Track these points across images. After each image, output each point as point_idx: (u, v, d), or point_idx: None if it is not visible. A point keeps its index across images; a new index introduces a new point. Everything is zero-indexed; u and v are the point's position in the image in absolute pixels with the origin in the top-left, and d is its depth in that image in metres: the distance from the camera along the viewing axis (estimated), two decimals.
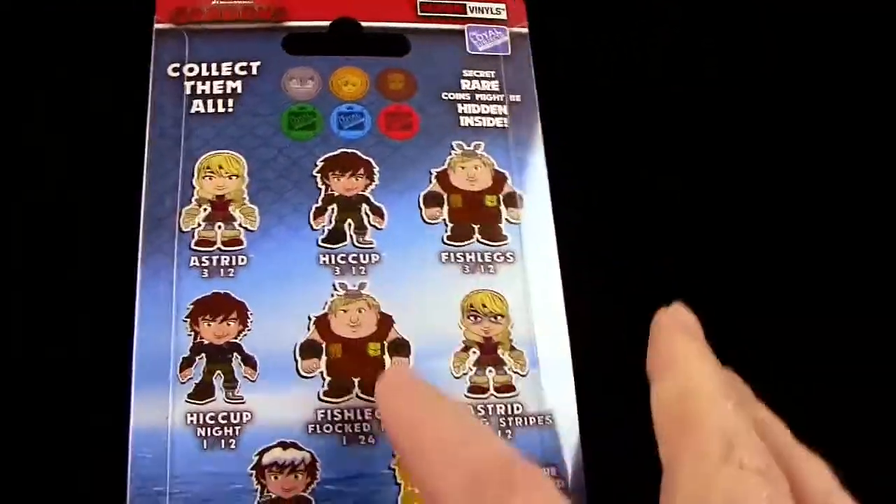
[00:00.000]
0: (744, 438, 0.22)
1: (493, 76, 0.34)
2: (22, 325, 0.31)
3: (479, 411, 0.29)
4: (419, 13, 0.34)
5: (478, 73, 0.34)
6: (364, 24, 0.34)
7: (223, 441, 0.28)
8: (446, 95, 0.33)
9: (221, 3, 0.33)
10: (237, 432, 0.28)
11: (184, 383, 0.28)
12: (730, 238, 0.36)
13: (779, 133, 0.38)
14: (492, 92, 0.34)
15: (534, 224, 0.32)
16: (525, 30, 0.35)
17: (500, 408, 0.30)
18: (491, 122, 0.33)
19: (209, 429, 0.28)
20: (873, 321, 0.35)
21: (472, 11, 0.35)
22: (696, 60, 0.39)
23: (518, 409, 0.30)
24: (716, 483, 0.21)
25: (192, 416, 0.28)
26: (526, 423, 0.30)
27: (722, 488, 0.20)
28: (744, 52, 0.39)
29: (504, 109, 0.33)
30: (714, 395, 0.23)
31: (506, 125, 0.33)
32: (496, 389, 0.30)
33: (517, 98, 0.34)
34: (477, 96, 0.34)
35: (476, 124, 0.33)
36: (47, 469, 0.29)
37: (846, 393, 0.33)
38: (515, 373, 0.30)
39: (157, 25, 0.33)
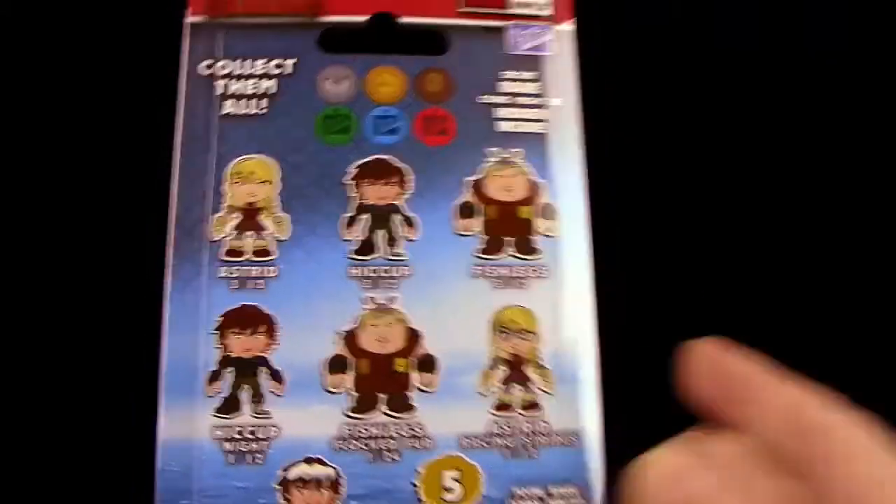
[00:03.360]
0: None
1: (534, 77, 0.33)
2: (50, 335, 0.31)
3: (505, 428, 0.29)
4: (459, 9, 0.33)
5: (518, 75, 0.32)
6: (402, 19, 0.33)
7: (250, 456, 0.28)
8: (483, 99, 0.32)
9: None
10: (263, 447, 0.28)
11: (211, 397, 0.29)
12: (777, 261, 0.35)
13: (839, 161, 0.37)
14: (532, 95, 0.32)
15: (569, 238, 0.31)
16: (572, 27, 0.33)
17: (527, 425, 0.30)
18: (529, 127, 0.32)
19: (236, 443, 0.28)
20: None
21: (515, 7, 0.33)
22: (755, 73, 0.37)
23: (544, 426, 0.30)
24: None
25: (219, 430, 0.28)
26: (551, 441, 0.30)
27: None
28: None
29: (544, 114, 0.32)
30: (826, 403, 0.23)
31: (545, 131, 0.32)
32: (522, 408, 0.30)
33: (558, 102, 0.32)
34: (516, 100, 0.32)
35: (514, 130, 0.32)
36: (76, 479, 0.30)
37: None
38: (542, 391, 0.30)
39: (189, 19, 0.32)
